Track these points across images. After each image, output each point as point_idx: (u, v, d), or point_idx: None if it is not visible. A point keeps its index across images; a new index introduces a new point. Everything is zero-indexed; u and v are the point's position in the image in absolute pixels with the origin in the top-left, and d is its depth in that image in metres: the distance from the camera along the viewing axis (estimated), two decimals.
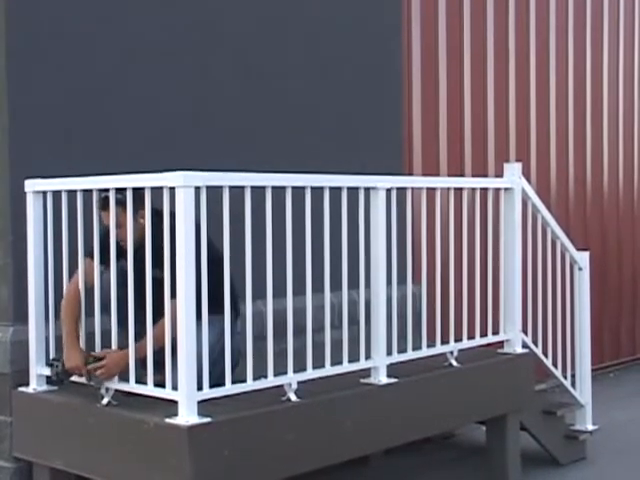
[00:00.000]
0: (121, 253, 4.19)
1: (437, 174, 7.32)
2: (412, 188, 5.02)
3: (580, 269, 6.50)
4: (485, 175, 7.72)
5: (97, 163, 4.71)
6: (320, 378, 4.44)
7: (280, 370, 4.24)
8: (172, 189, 3.87)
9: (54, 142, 4.82)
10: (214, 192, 3.94)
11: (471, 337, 5.35)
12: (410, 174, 6.97)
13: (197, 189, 3.88)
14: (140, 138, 5.14)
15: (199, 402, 3.89)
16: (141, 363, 4.11)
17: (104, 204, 4.23)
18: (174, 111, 5.32)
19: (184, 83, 5.39)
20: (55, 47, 4.83)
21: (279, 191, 4.20)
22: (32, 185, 4.53)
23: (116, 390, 4.18)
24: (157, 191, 3.98)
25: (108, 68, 5.05)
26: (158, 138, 5.21)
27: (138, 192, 4.08)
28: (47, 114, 4.79)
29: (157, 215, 4.04)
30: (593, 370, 6.71)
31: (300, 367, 4.33)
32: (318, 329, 4.47)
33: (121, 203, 4.15)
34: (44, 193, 4.52)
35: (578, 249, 6.55)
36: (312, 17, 6.12)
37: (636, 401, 8.16)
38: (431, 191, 5.20)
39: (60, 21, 4.85)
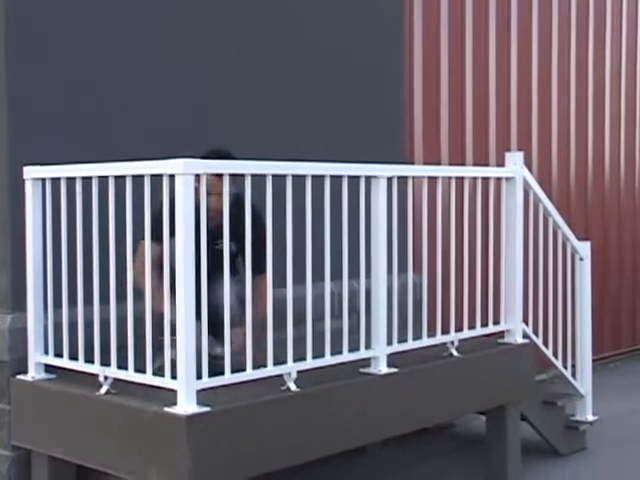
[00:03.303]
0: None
1: (438, 163, 7.29)
2: (413, 177, 4.99)
3: (581, 259, 6.48)
4: (486, 164, 7.69)
5: (96, 152, 4.69)
6: (320, 367, 4.42)
7: (280, 359, 4.22)
8: (172, 177, 3.84)
9: (53, 130, 4.79)
10: None
11: (472, 327, 5.34)
12: (411, 163, 6.95)
13: (197, 176, 3.86)
14: (139, 130, 5.10)
15: (198, 391, 3.87)
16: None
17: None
18: (174, 103, 5.28)
19: (184, 75, 5.35)
20: (54, 38, 4.80)
21: (279, 179, 4.18)
22: (31, 172, 4.50)
23: (115, 379, 4.16)
24: None
25: (108, 60, 5.01)
26: (157, 130, 5.17)
27: None
28: (46, 102, 4.76)
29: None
30: (593, 360, 6.70)
31: (300, 356, 4.31)
32: (318, 318, 4.44)
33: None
34: (43, 180, 4.49)
35: (579, 239, 6.54)
36: (312, 5, 6.08)
37: (637, 392, 8.16)
38: (432, 180, 5.17)
39: (59, 12, 4.82)
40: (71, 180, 4.35)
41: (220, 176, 4.04)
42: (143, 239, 4.05)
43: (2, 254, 4.68)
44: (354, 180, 4.54)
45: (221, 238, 4.02)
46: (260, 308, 4.25)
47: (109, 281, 4.17)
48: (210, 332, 3.98)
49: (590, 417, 6.49)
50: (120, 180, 4.10)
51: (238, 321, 4.21)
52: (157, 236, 3.98)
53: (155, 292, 4.04)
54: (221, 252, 4.01)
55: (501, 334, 5.62)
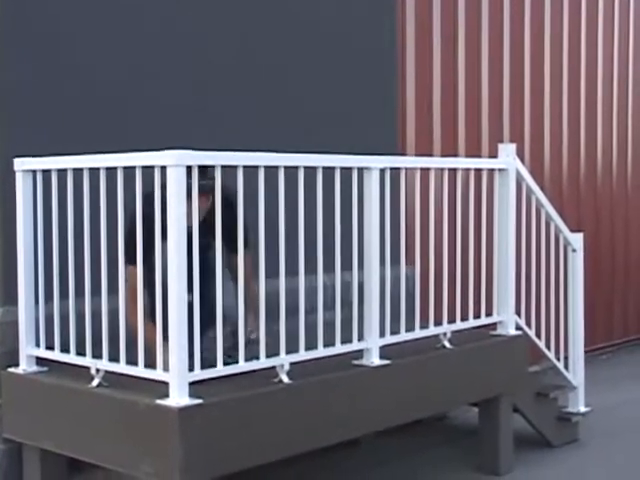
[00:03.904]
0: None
1: (431, 154, 7.28)
2: (406, 168, 4.98)
3: (574, 251, 6.47)
4: (479, 156, 7.68)
5: (88, 144, 4.65)
6: (312, 359, 4.41)
7: (272, 351, 4.21)
8: (163, 168, 3.82)
9: (44, 120, 4.76)
10: None
11: (464, 319, 5.33)
12: (404, 154, 6.93)
13: (189, 168, 3.84)
14: (138, 129, 5.06)
15: (190, 383, 3.86)
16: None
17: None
18: (169, 93, 5.25)
19: (181, 64, 5.33)
20: (49, 33, 4.77)
21: (272, 171, 4.16)
22: (21, 164, 4.47)
23: (106, 371, 4.15)
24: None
25: (106, 58, 4.98)
26: (156, 129, 5.13)
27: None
28: (37, 91, 4.73)
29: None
30: (585, 352, 6.70)
31: (292, 348, 4.30)
32: (311, 310, 4.44)
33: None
34: (34, 172, 4.46)
35: (572, 230, 6.53)
36: (307, 3, 6.07)
37: (628, 383, 8.17)
38: (425, 171, 5.16)
39: (56, 9, 4.78)
40: (62, 172, 4.33)
41: (205, 195, 4.06)
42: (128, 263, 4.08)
43: None
44: (346, 171, 4.52)
45: (208, 234, 4.00)
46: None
47: (100, 273, 4.16)
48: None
49: (582, 408, 6.49)
50: (112, 172, 4.08)
51: (236, 319, 4.21)
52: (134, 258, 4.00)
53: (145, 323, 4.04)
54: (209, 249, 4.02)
55: (494, 326, 5.62)
